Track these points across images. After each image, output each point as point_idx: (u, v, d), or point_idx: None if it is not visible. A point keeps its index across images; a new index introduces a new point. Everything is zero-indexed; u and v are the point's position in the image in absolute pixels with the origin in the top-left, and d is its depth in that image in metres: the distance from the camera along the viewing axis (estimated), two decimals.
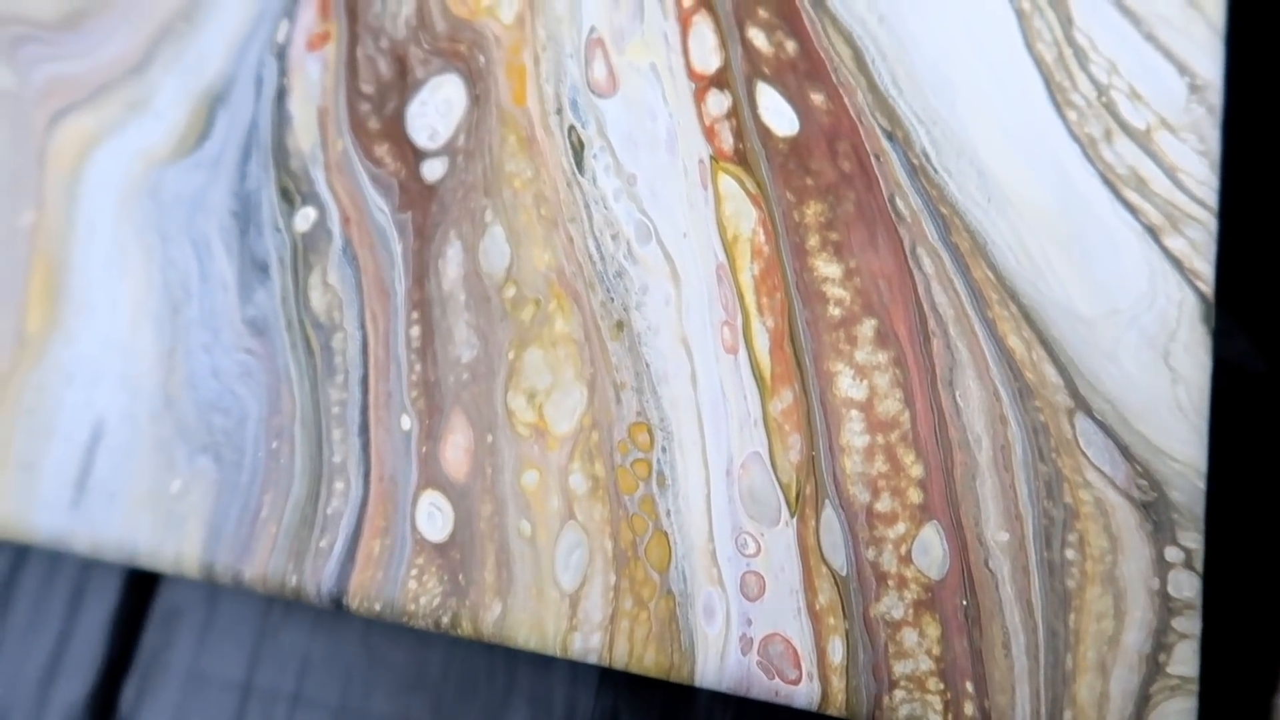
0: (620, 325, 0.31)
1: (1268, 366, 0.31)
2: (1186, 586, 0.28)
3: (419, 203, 0.33)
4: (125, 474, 0.32)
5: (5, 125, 0.35)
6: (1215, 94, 0.31)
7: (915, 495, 0.29)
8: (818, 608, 0.29)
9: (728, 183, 0.32)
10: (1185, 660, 0.27)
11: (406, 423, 0.31)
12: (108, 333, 0.33)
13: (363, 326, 0.32)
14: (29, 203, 0.34)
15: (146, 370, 0.32)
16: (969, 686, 0.28)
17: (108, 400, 0.32)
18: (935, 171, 0.32)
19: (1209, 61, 0.32)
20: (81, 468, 0.32)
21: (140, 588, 0.34)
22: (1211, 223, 0.30)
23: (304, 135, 0.34)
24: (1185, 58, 0.32)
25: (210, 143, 0.34)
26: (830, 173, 0.32)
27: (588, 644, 0.29)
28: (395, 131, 0.34)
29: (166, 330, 0.33)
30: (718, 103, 0.33)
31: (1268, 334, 0.30)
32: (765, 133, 0.33)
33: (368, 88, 0.35)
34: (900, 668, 0.28)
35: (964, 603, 0.28)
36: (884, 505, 0.29)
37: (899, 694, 0.28)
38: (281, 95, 0.35)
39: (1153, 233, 0.30)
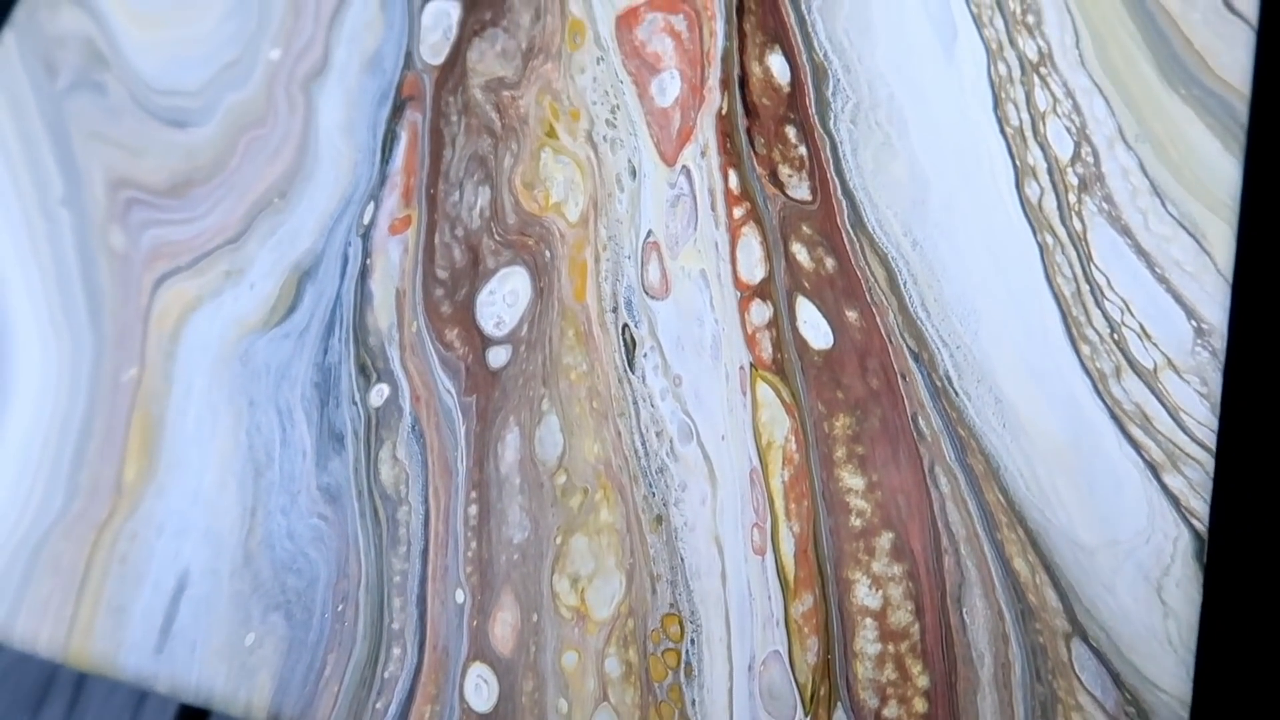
0: (659, 519, 0.34)
1: (1257, 605, 0.34)
2: None
3: (483, 387, 0.37)
4: (205, 624, 0.35)
5: (116, 285, 0.39)
6: (1220, 339, 0.34)
7: (921, 705, 0.32)
8: None
9: (765, 390, 0.35)
10: None
11: (460, 596, 0.34)
12: (196, 488, 0.37)
13: (426, 501, 0.35)
14: (133, 360, 0.38)
15: (229, 527, 0.36)
16: None
17: (193, 553, 0.36)
18: (956, 394, 0.35)
19: (1216, 308, 0.35)
20: (166, 615, 0.35)
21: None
22: (1209, 463, 0.33)
23: (382, 314, 0.38)
24: (1194, 302, 0.35)
25: (298, 315, 0.38)
26: (859, 388, 0.35)
27: None
28: (465, 317, 0.38)
29: (249, 491, 0.36)
30: (760, 313, 0.36)
31: (1260, 574, 0.33)
32: (802, 345, 0.36)
33: (443, 273, 0.38)
34: None
35: None
36: (891, 712, 0.32)
37: None
38: (364, 274, 0.38)
39: (1154, 469, 0.33)
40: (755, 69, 0.40)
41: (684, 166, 0.39)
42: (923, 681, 0.32)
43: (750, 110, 0.39)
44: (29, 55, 0.44)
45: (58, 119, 0.42)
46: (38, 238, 0.41)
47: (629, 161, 0.39)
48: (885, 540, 0.34)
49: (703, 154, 0.39)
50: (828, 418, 0.35)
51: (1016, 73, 0.38)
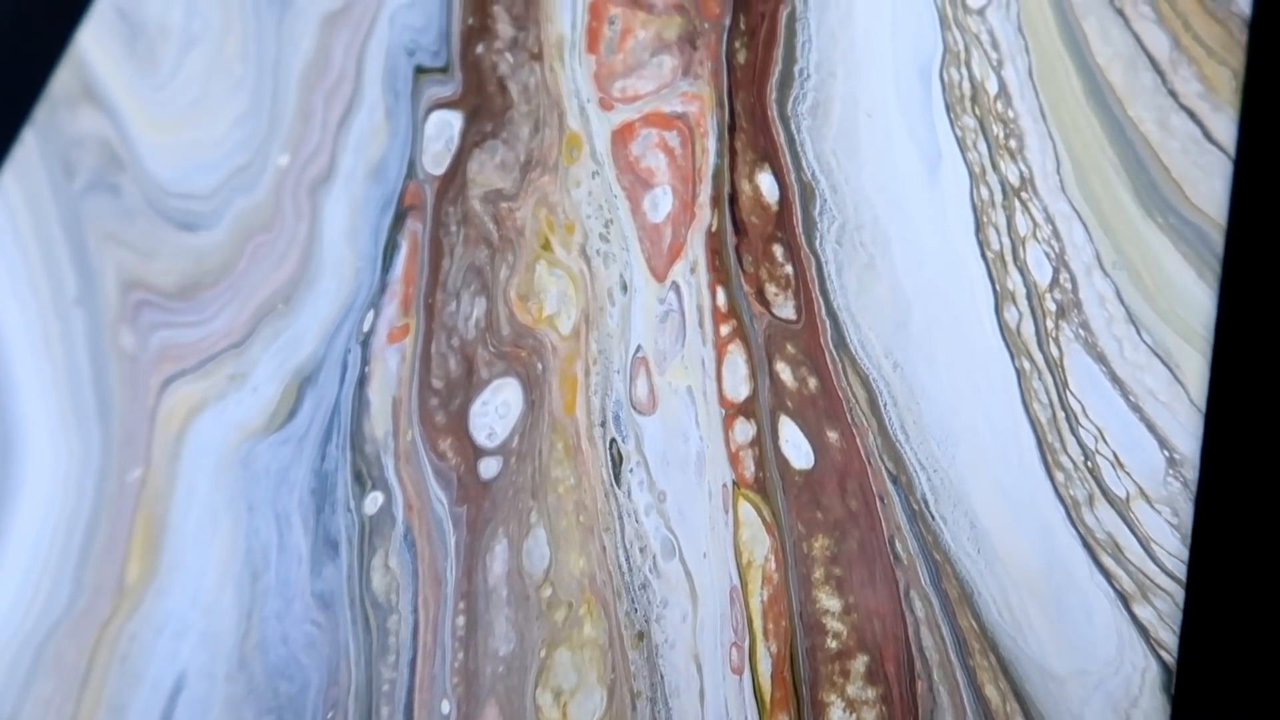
0: (641, 636, 0.35)
1: None
2: None
3: (474, 498, 0.38)
4: None
5: (125, 386, 0.41)
6: (1191, 470, 0.35)
7: None
8: None
9: (747, 509, 0.37)
10: None
11: (446, 707, 0.36)
12: (196, 590, 0.38)
13: (415, 611, 0.37)
14: (139, 460, 0.40)
15: (226, 630, 0.37)
16: None
17: (191, 655, 0.37)
18: (933, 518, 0.36)
19: (1188, 438, 0.36)
20: (164, 716, 0.37)
21: None
22: (1179, 595, 0.34)
23: (379, 422, 0.39)
24: (1167, 432, 0.36)
25: (298, 420, 0.40)
26: (839, 509, 0.36)
27: None
28: (459, 427, 0.39)
29: (246, 595, 0.38)
30: (744, 431, 0.37)
31: (1228, 708, 0.33)
32: (784, 464, 0.37)
33: (438, 383, 0.40)
34: None
35: None
36: None
37: None
38: (363, 382, 0.40)
39: (1124, 599, 0.34)
40: (745, 187, 0.41)
41: (674, 282, 0.40)
42: None
43: (739, 228, 0.41)
44: (49, 155, 0.46)
45: (74, 220, 0.44)
46: (51, 337, 0.42)
47: (621, 276, 0.41)
48: (860, 663, 0.35)
49: (692, 270, 0.40)
50: (807, 538, 0.36)
51: (998, 197, 0.40)
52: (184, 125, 0.46)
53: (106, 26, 0.48)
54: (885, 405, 0.38)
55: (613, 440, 0.38)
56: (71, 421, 0.41)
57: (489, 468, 0.39)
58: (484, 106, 0.44)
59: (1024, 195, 0.40)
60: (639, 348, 0.40)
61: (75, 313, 0.43)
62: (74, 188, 0.45)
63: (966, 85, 0.42)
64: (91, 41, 0.48)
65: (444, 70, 0.45)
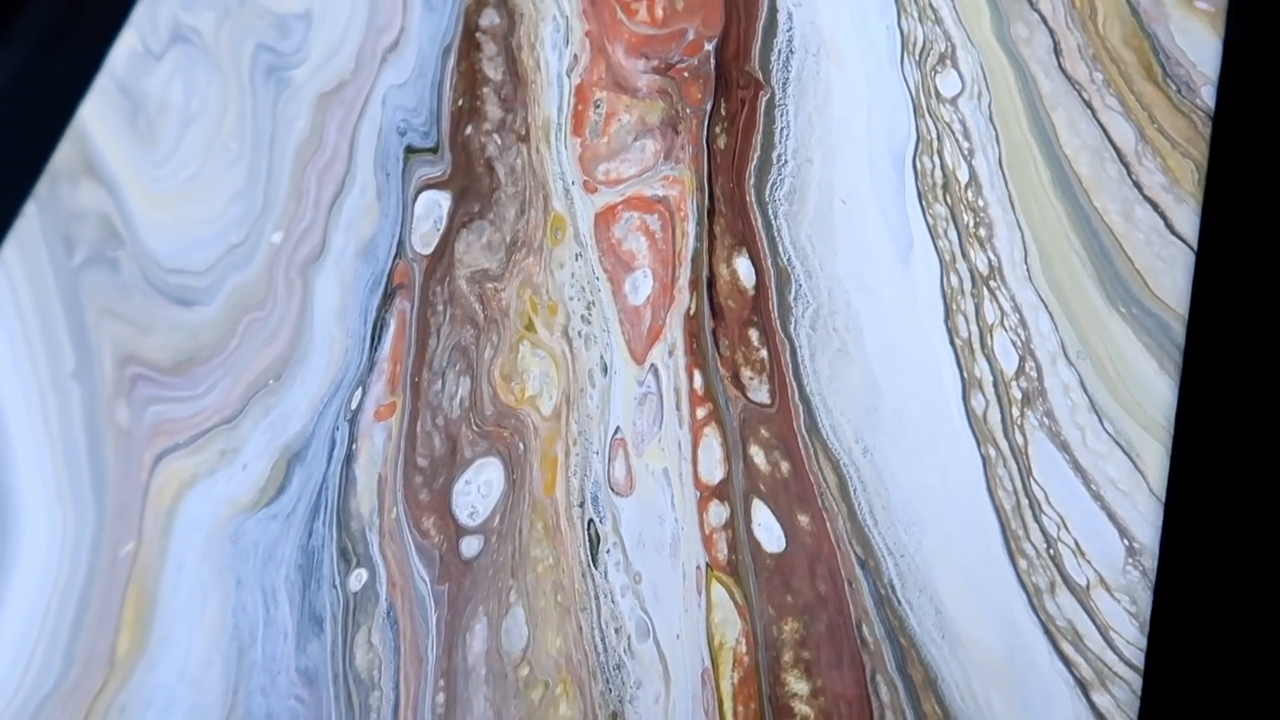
0: (615, 716, 0.37)
1: None
2: None
3: (455, 576, 0.39)
4: None
5: (119, 460, 0.42)
6: (1150, 559, 0.36)
7: None
8: None
9: (719, 591, 0.38)
10: None
11: None
12: (184, 664, 0.39)
13: (397, 688, 0.38)
14: (131, 534, 0.41)
15: (212, 704, 0.38)
16: None
17: None
18: (899, 603, 0.37)
19: (1148, 527, 0.37)
20: None
21: None
22: (1137, 683, 0.35)
23: (365, 500, 0.41)
24: (1127, 521, 0.37)
25: (286, 497, 0.41)
26: (808, 593, 0.37)
27: None
28: (442, 505, 0.40)
29: (232, 670, 0.39)
30: (718, 514, 0.39)
31: None
32: (756, 547, 0.38)
33: (423, 461, 0.41)
34: None
35: None
36: None
37: None
38: (350, 459, 0.41)
39: (1083, 687, 0.35)
40: (723, 271, 0.43)
41: (653, 365, 0.42)
42: None
43: (717, 311, 0.42)
44: (49, 230, 0.47)
45: (73, 293, 0.46)
46: (49, 410, 0.44)
47: (601, 358, 0.42)
48: None
49: (670, 353, 0.42)
50: (777, 621, 0.37)
51: (968, 285, 0.41)
52: (182, 201, 0.47)
53: (109, 102, 0.50)
54: (855, 490, 0.39)
55: (591, 521, 0.40)
56: (67, 495, 0.42)
57: (470, 546, 0.40)
58: (472, 187, 0.46)
59: (992, 283, 0.41)
60: (618, 429, 0.41)
61: (72, 386, 0.44)
62: (74, 262, 0.47)
63: (938, 173, 0.43)
64: (93, 116, 0.50)
65: (434, 150, 0.47)
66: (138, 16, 0.52)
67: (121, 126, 0.49)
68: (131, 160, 0.48)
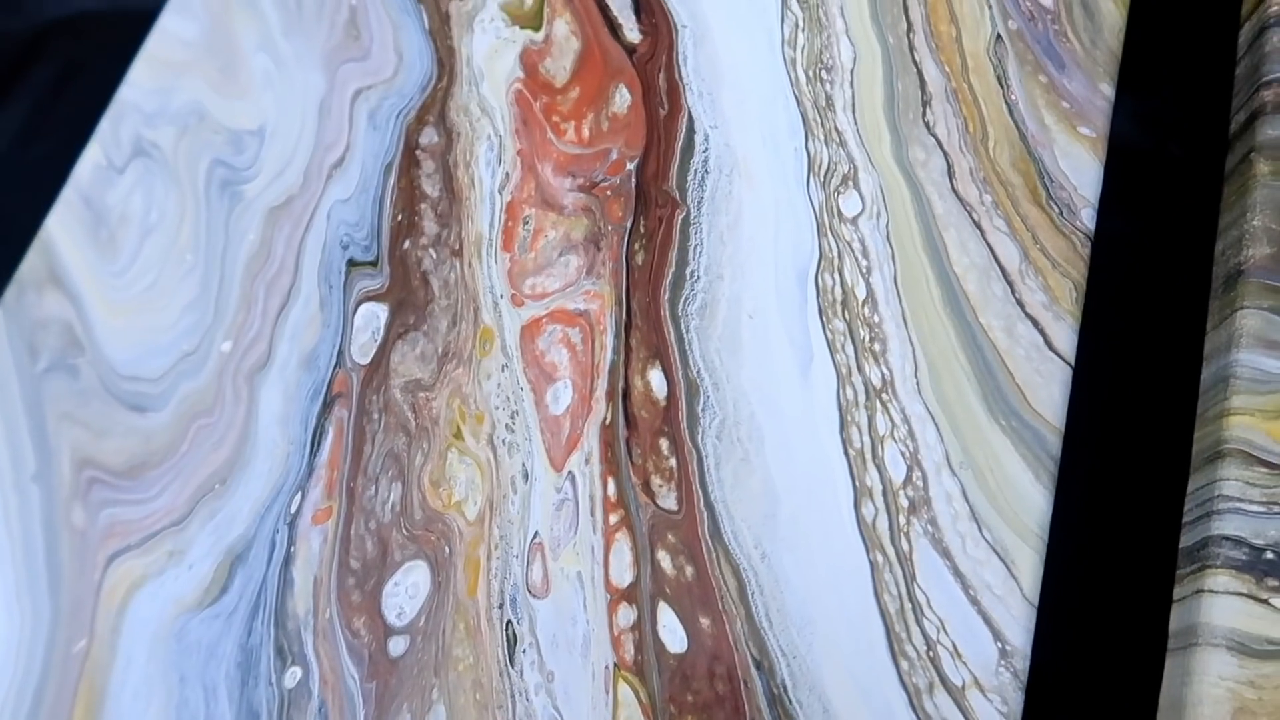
0: None
1: None
2: None
3: (383, 674, 0.42)
4: None
5: (74, 560, 0.46)
6: (1022, 661, 0.40)
7: None
8: None
9: (626, 690, 0.41)
10: None
11: None
12: None
13: None
14: (83, 632, 0.44)
15: None
16: None
17: None
18: (790, 703, 0.40)
19: (1020, 631, 0.40)
20: None
21: None
22: None
23: (301, 600, 0.44)
24: (1001, 625, 0.40)
25: (228, 597, 0.44)
26: (707, 692, 0.40)
27: None
28: (372, 606, 0.43)
29: None
30: (626, 616, 0.42)
31: None
32: (661, 648, 0.41)
33: (356, 564, 0.44)
34: None
35: None
36: None
37: None
38: (288, 561, 0.44)
39: None
40: (638, 382, 0.46)
41: (570, 473, 0.45)
42: None
43: (630, 422, 0.45)
44: (15, 336, 0.51)
45: (35, 399, 0.49)
46: (10, 512, 0.47)
47: (523, 465, 0.45)
48: None
49: (587, 462, 0.45)
50: (679, 719, 0.40)
51: (862, 398, 0.44)
52: (139, 310, 0.51)
53: (73, 213, 0.53)
54: (753, 594, 0.42)
55: (509, 622, 0.43)
56: (26, 593, 0.46)
57: (397, 646, 0.43)
58: (408, 300, 0.49)
59: (884, 396, 0.44)
60: (536, 534, 0.44)
61: (32, 488, 0.48)
62: (37, 368, 0.50)
63: (838, 290, 0.47)
64: (59, 227, 0.53)
65: (374, 264, 0.50)
66: (103, 130, 0.55)
67: (85, 238, 0.53)
68: (93, 270, 0.52)
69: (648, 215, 0.49)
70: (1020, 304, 0.45)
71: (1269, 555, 0.40)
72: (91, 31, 0.75)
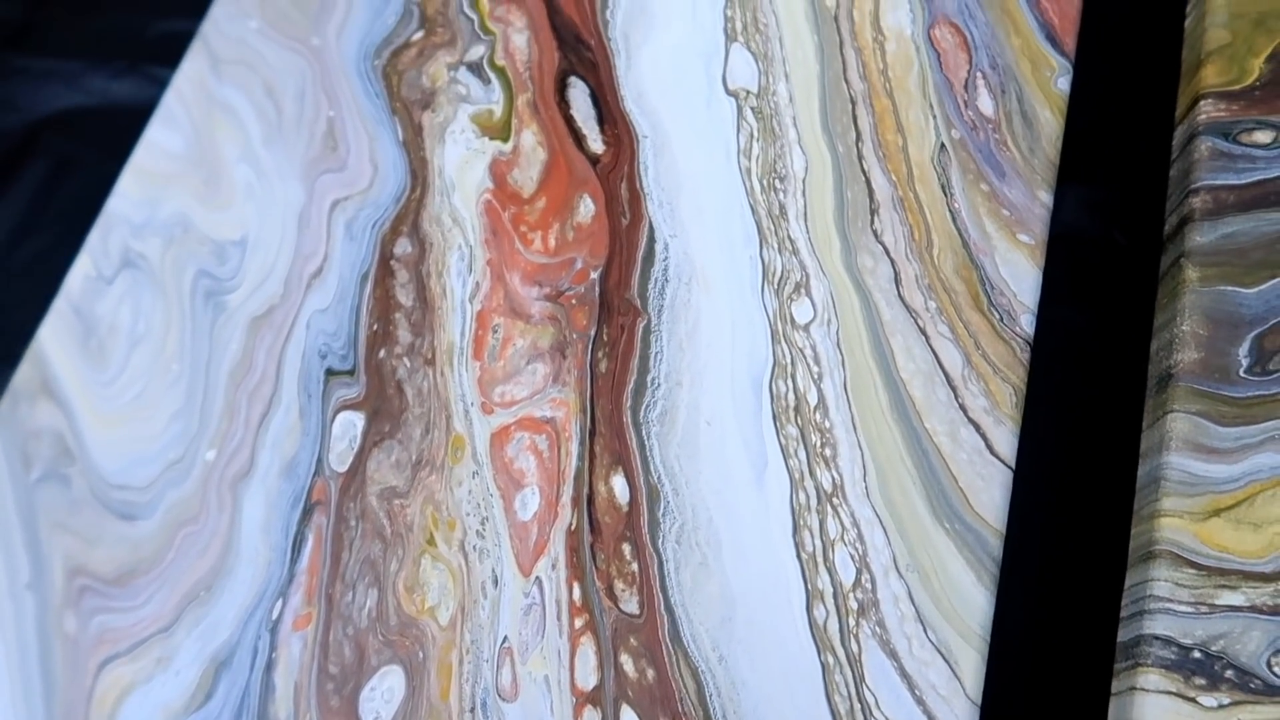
0: None
1: None
2: None
3: None
4: None
5: (67, 667, 0.48)
6: None
7: None
8: None
9: None
10: None
11: None
12: None
13: None
14: None
15: None
16: None
17: None
18: None
19: None
20: None
21: None
22: None
23: (282, 706, 0.46)
24: None
25: (213, 703, 0.47)
26: None
27: None
28: (350, 711, 0.46)
29: None
30: (591, 718, 0.44)
31: None
32: None
33: (334, 669, 0.46)
34: None
35: None
36: None
37: None
38: (270, 667, 0.47)
39: None
40: (601, 488, 0.49)
41: (537, 578, 0.47)
42: None
43: (595, 527, 0.48)
44: (9, 447, 0.53)
45: (29, 508, 0.52)
46: (5, 620, 0.49)
47: (493, 571, 0.48)
48: None
49: (553, 567, 0.47)
50: None
51: (813, 502, 0.47)
52: (128, 420, 0.53)
53: (64, 324, 0.56)
54: (710, 695, 0.44)
55: None
56: (21, 700, 0.48)
57: None
58: (384, 408, 0.52)
59: (835, 500, 0.47)
60: (505, 639, 0.46)
61: (27, 596, 0.50)
62: (30, 478, 0.53)
63: (791, 396, 0.49)
64: (51, 338, 0.56)
65: (351, 373, 0.53)
66: (93, 241, 0.58)
67: (75, 348, 0.55)
68: (84, 381, 0.55)
69: (610, 323, 0.52)
70: (963, 408, 0.48)
71: (1196, 654, 0.42)
72: (84, 127, 0.78)
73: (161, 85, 0.79)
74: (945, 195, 0.53)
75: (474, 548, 0.48)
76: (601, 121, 0.57)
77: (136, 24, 0.80)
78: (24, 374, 0.55)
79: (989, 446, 0.47)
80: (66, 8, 0.82)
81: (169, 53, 0.79)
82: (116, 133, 0.77)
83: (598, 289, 0.53)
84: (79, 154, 0.76)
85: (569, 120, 0.58)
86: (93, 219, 0.70)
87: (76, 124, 0.78)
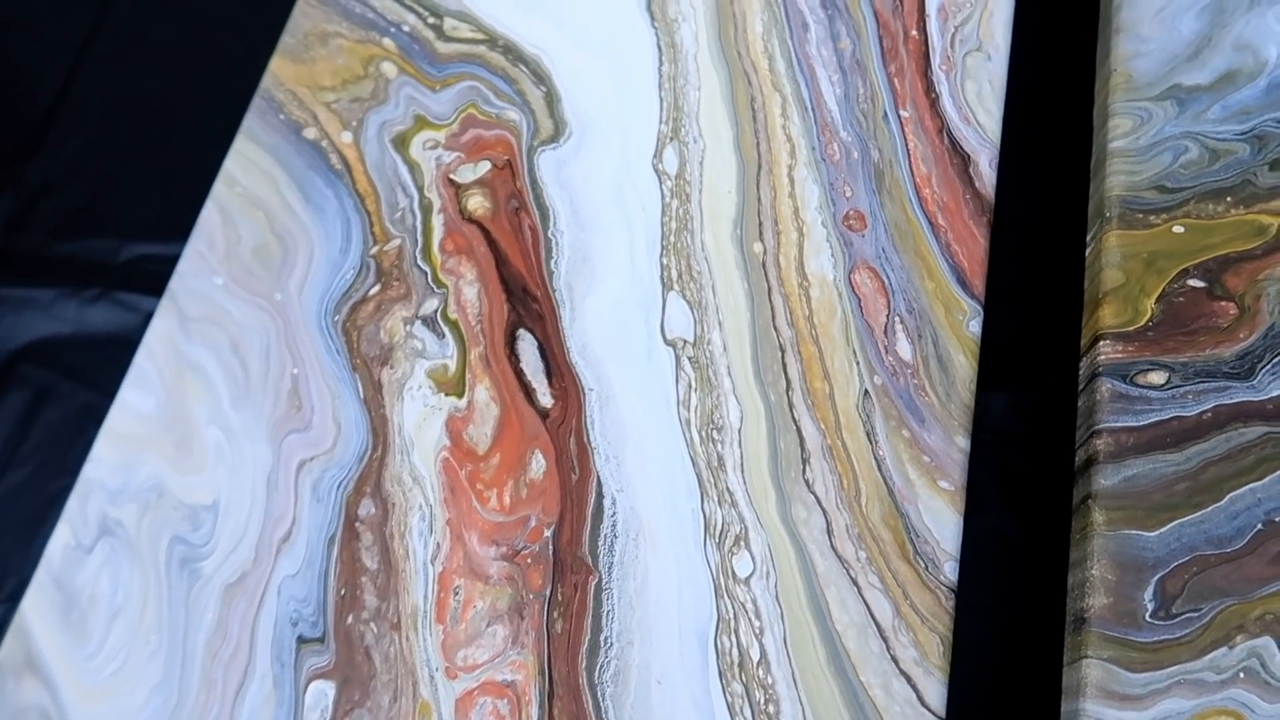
0: None
1: None
2: None
3: None
4: None
5: None
6: None
7: None
8: None
9: None
10: None
11: None
12: None
13: None
14: None
15: None
16: None
17: None
18: None
19: None
20: None
21: None
22: None
23: None
24: None
25: None
26: None
27: None
28: None
29: None
30: None
31: None
32: None
33: None
34: None
35: None
36: None
37: None
38: None
39: None
40: None
41: None
42: None
43: None
44: None
45: None
46: None
47: None
48: None
49: None
50: None
51: None
52: (110, 694, 0.57)
53: (46, 596, 0.60)
54: None
55: None
56: None
57: None
58: (353, 676, 0.55)
59: None
60: None
61: None
62: None
63: (735, 652, 0.53)
64: (33, 611, 0.59)
65: (321, 640, 0.56)
66: (70, 508, 0.62)
67: (57, 622, 0.59)
68: (66, 655, 0.58)
69: (564, 583, 0.56)
70: (895, 660, 0.52)
71: None
72: (60, 357, 0.82)
73: (133, 312, 0.84)
74: (870, 443, 0.57)
75: None
76: (550, 375, 0.62)
77: (108, 249, 0.85)
78: (9, 649, 0.58)
79: (920, 698, 0.51)
80: (42, 231, 0.87)
81: (139, 279, 0.84)
82: (95, 365, 0.81)
83: (551, 547, 0.57)
84: (56, 385, 0.80)
85: (519, 374, 0.62)
86: (70, 453, 0.74)
87: (52, 354, 0.82)
